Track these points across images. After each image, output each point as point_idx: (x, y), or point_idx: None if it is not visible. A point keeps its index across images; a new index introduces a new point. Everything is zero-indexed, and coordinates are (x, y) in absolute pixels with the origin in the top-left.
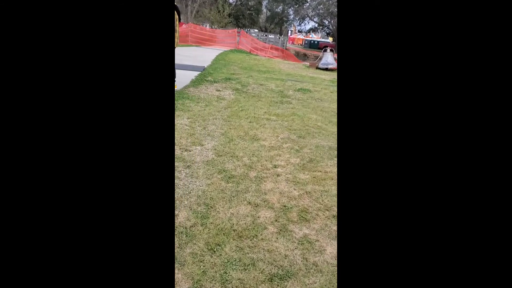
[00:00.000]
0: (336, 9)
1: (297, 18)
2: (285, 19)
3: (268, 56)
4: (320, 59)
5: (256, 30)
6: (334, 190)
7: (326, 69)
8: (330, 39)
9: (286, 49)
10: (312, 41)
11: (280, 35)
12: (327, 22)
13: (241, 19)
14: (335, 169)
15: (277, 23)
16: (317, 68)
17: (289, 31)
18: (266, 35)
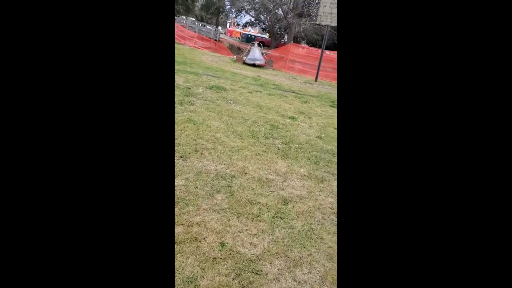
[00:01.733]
0: (271, 5)
1: (233, 10)
2: (221, 9)
3: (193, 46)
4: (248, 53)
5: (193, 19)
6: (191, 266)
7: (254, 65)
8: (267, 35)
9: (218, 41)
10: (249, 35)
11: (217, 26)
12: (263, 17)
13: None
14: (211, 217)
15: (213, 13)
16: (244, 63)
17: (228, 24)
18: (203, 25)
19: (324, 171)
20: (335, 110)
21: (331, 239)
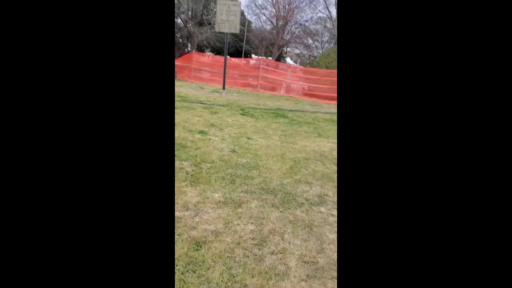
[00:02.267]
0: None
1: None
2: None
3: None
4: None
5: None
6: None
7: None
8: None
9: None
10: None
11: None
12: None
13: None
14: None
15: None
16: None
17: None
18: None
19: (241, 191)
20: (246, 118)
21: (256, 284)
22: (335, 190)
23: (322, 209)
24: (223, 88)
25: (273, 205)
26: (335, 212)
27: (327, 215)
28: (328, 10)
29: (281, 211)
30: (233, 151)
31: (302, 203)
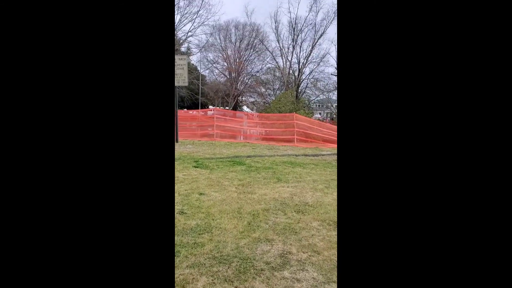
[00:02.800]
0: None
1: None
2: None
3: None
4: None
5: None
6: None
7: None
8: None
9: None
10: None
11: None
12: None
13: None
14: None
15: None
16: None
17: None
18: None
19: (187, 266)
20: (200, 170)
21: None
22: (299, 244)
23: (286, 273)
24: (176, 141)
25: (226, 279)
26: (300, 275)
27: (292, 281)
28: (276, 61)
29: (235, 287)
30: (181, 212)
31: (261, 270)
